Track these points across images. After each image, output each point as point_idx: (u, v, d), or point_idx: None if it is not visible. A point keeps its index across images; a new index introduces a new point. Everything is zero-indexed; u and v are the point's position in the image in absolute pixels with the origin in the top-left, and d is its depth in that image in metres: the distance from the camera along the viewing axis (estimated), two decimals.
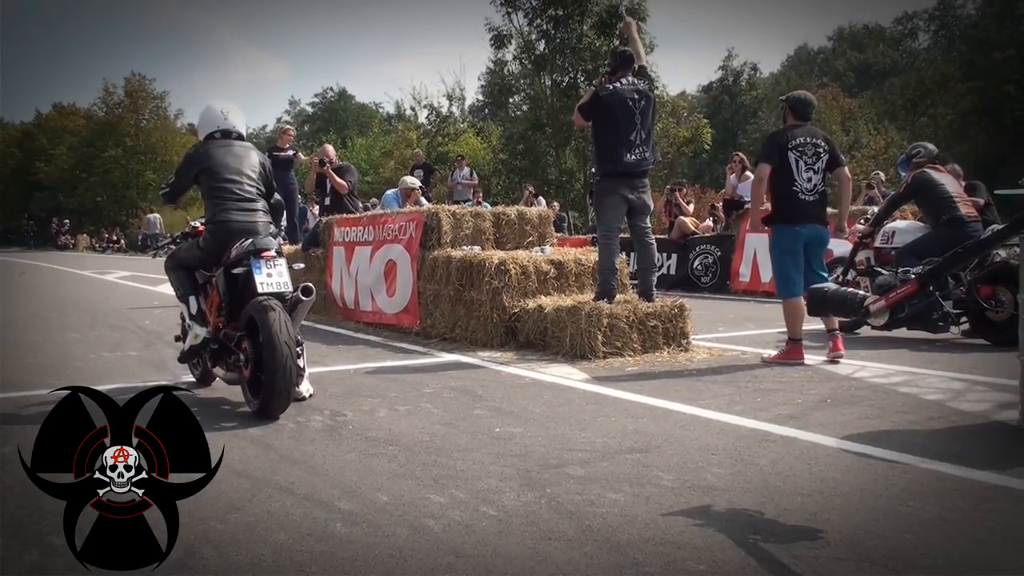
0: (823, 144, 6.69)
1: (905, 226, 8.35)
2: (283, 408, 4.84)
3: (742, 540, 2.92)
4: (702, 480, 3.64)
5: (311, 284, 5.28)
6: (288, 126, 15.30)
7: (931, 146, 8.58)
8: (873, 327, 7.37)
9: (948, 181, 8.13)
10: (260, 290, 4.97)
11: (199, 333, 5.38)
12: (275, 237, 5.38)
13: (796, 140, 6.62)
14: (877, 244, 8.33)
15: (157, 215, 41.72)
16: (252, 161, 5.54)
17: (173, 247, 5.89)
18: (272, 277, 5.06)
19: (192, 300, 5.47)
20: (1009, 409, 4.88)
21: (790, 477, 3.66)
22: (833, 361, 6.60)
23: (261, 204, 5.46)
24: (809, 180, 6.58)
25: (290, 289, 5.10)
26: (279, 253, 5.24)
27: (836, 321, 6.76)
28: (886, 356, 6.94)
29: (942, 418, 4.77)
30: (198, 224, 5.72)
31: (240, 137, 5.69)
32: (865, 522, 3.10)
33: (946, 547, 2.86)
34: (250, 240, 5.13)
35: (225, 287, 5.25)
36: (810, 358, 6.67)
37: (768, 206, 6.81)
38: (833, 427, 4.53)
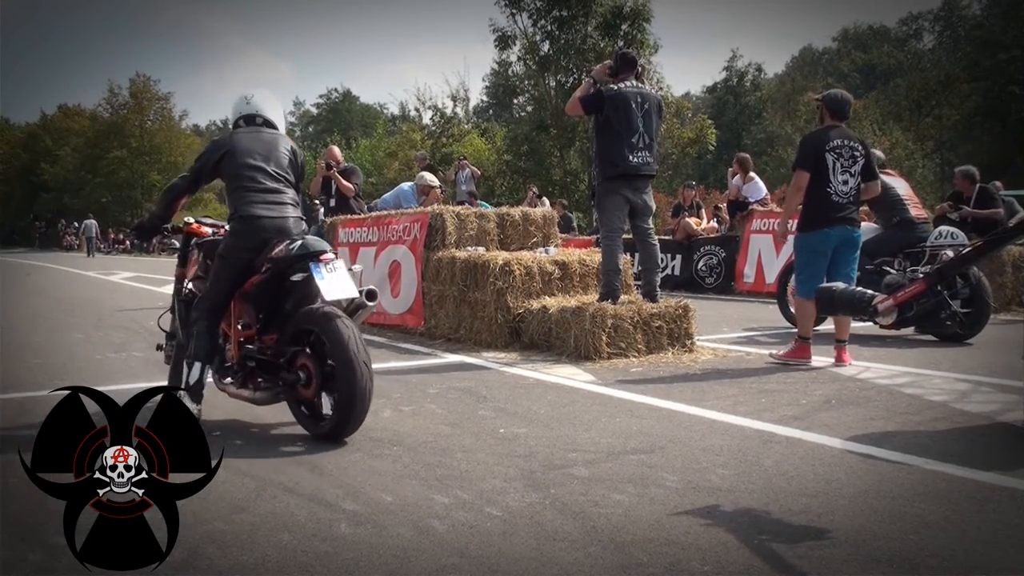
0: (860, 148, 6.60)
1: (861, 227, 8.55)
2: (355, 431, 4.39)
3: (747, 541, 2.91)
4: (706, 481, 3.63)
5: (375, 287, 4.81)
6: None
7: (879, 153, 8.92)
8: (881, 326, 7.38)
9: (899, 184, 8.40)
10: (327, 298, 4.36)
11: (190, 408, 4.37)
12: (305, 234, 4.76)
13: (833, 142, 6.50)
14: None
15: (94, 221, 41.79)
16: (281, 148, 4.86)
17: (175, 244, 5.50)
18: (335, 283, 4.40)
19: (197, 367, 4.54)
20: (1014, 410, 4.87)
21: (795, 478, 3.65)
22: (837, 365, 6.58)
23: (290, 196, 4.79)
24: (845, 183, 6.48)
25: (356, 294, 4.51)
26: (335, 254, 4.63)
27: (847, 331, 6.73)
28: (890, 357, 6.93)
29: (947, 419, 4.75)
30: (192, 220, 5.25)
31: (268, 124, 4.99)
32: (870, 523, 3.09)
33: (951, 548, 2.85)
34: (299, 242, 4.47)
35: (259, 295, 4.65)
36: (818, 359, 6.67)
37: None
38: (838, 428, 4.52)
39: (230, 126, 5.10)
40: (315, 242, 4.51)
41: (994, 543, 2.92)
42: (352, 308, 4.57)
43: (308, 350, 4.43)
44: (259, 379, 4.61)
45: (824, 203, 6.46)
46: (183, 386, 4.50)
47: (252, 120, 4.96)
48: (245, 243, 4.59)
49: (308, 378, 4.40)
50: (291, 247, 4.44)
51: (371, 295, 4.66)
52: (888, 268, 8.01)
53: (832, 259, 6.55)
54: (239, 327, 4.76)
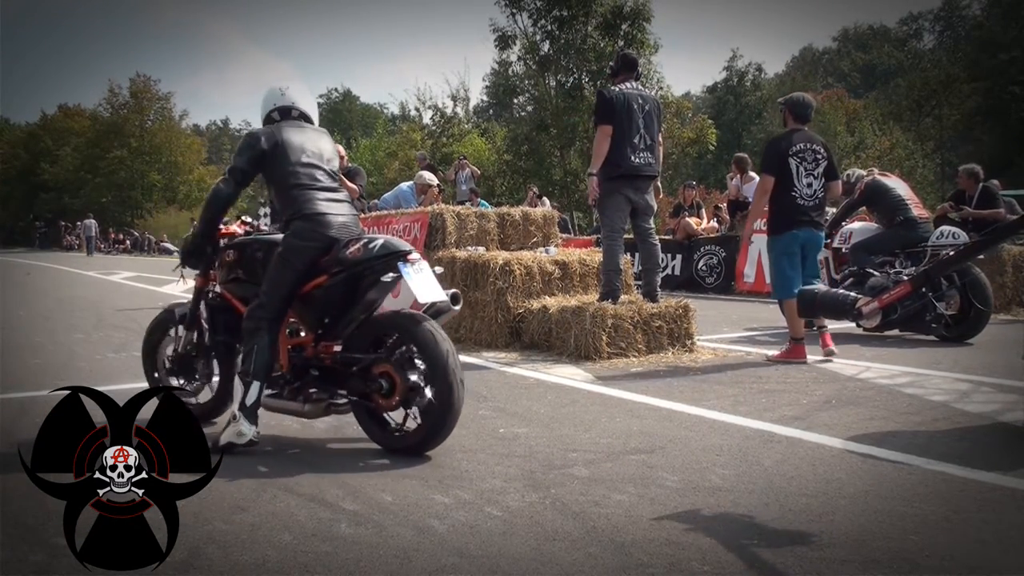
0: (822, 150, 6.84)
1: (861, 227, 8.69)
2: (443, 442, 4.11)
3: (747, 541, 2.91)
4: (707, 481, 3.62)
5: (458, 291, 4.43)
6: None
7: (860, 170, 9.00)
8: (865, 328, 7.41)
9: (899, 185, 8.45)
10: (421, 301, 4.07)
11: (245, 432, 4.04)
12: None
13: (796, 146, 6.74)
14: (835, 245, 8.49)
15: (93, 220, 41.92)
16: (329, 146, 4.56)
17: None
18: (425, 285, 4.08)
19: (255, 387, 4.10)
20: (1014, 410, 4.87)
21: (795, 478, 3.65)
22: (827, 356, 6.72)
23: (345, 194, 4.52)
24: (809, 186, 6.72)
25: (445, 296, 4.17)
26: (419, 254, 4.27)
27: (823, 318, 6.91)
28: (891, 357, 6.92)
29: (947, 419, 4.75)
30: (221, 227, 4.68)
31: (305, 117, 4.62)
32: (870, 523, 3.09)
33: (951, 548, 2.85)
34: (379, 241, 4.14)
35: (325, 299, 4.25)
36: (814, 357, 6.68)
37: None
38: (838, 428, 4.52)
39: (259, 119, 4.69)
40: (397, 241, 4.21)
41: (994, 543, 2.92)
42: (433, 311, 4.21)
43: (390, 356, 4.09)
44: (312, 390, 4.29)
45: (790, 206, 6.71)
46: (237, 407, 4.10)
47: (288, 113, 4.57)
48: (312, 243, 4.20)
49: (391, 387, 4.04)
50: (371, 247, 4.10)
51: (455, 298, 4.28)
52: (872, 271, 8.03)
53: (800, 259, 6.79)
54: (287, 333, 4.40)
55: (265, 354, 4.14)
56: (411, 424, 4.08)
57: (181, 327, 4.80)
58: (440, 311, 4.23)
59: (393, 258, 4.09)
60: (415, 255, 4.15)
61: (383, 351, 4.13)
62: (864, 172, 8.86)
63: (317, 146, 4.46)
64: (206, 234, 4.54)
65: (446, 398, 3.90)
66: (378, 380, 4.06)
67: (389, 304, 4.42)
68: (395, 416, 4.15)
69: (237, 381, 4.17)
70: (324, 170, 4.40)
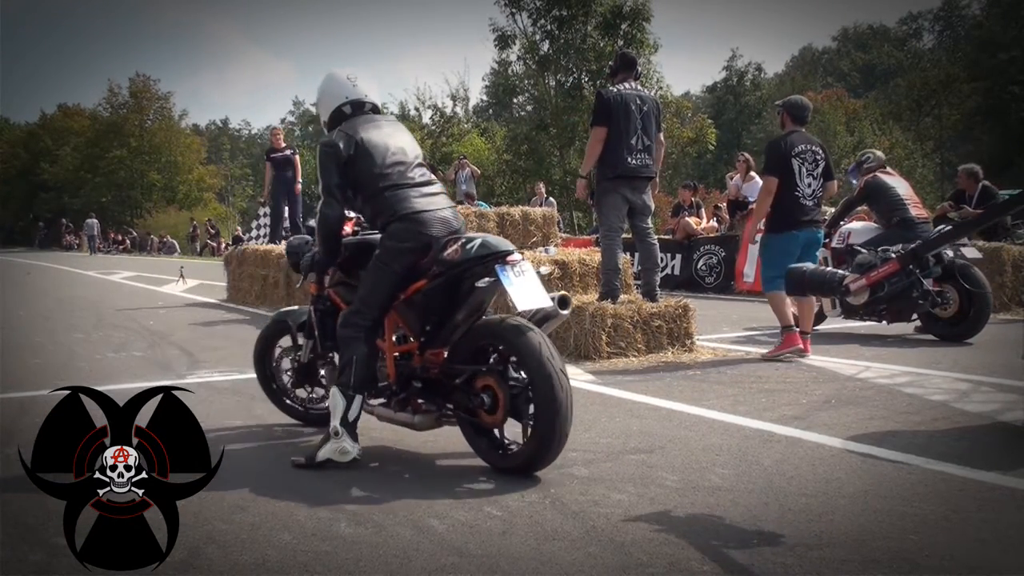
0: (820, 152, 6.95)
1: (860, 227, 8.64)
2: (552, 462, 3.75)
3: (746, 540, 2.91)
4: (706, 480, 3.62)
5: (567, 293, 4.15)
6: (277, 127, 15.80)
7: (879, 153, 9.02)
8: (852, 304, 7.42)
9: (899, 184, 8.42)
10: (520, 308, 3.69)
11: (350, 450, 3.81)
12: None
13: (798, 147, 6.83)
14: (834, 245, 8.50)
15: (95, 220, 42.09)
16: (408, 135, 4.27)
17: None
18: (526, 290, 3.70)
19: (358, 402, 3.87)
20: (1014, 410, 4.87)
21: (794, 478, 3.65)
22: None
23: (440, 187, 4.18)
24: (809, 186, 6.82)
25: (550, 302, 3.81)
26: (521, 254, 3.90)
27: (810, 323, 7.00)
28: (890, 357, 6.92)
29: (947, 419, 4.75)
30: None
31: (376, 109, 4.30)
32: (869, 523, 3.09)
33: (950, 548, 2.85)
34: (477, 240, 3.80)
35: (426, 303, 3.95)
36: (815, 358, 6.68)
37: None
38: (837, 428, 4.52)
39: (320, 110, 4.36)
40: (497, 241, 3.85)
41: (994, 543, 2.92)
42: (539, 317, 3.90)
43: (493, 369, 3.80)
44: (420, 401, 4.03)
45: (793, 206, 6.80)
46: (339, 423, 3.82)
47: (361, 107, 4.23)
48: (410, 244, 3.90)
49: (494, 402, 3.74)
50: (468, 247, 3.77)
51: (563, 302, 3.94)
52: (860, 248, 7.98)
53: (799, 258, 6.79)
54: (393, 340, 4.13)
55: (364, 367, 3.92)
56: (518, 441, 3.78)
57: (301, 336, 4.58)
58: (547, 316, 3.93)
59: (491, 260, 3.74)
60: (516, 256, 3.79)
61: (488, 363, 3.83)
62: (882, 155, 8.84)
63: (398, 140, 4.15)
64: (331, 256, 4.20)
65: (552, 414, 3.55)
66: (480, 395, 3.77)
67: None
68: (500, 432, 3.84)
69: (336, 393, 3.89)
70: (413, 164, 4.09)
